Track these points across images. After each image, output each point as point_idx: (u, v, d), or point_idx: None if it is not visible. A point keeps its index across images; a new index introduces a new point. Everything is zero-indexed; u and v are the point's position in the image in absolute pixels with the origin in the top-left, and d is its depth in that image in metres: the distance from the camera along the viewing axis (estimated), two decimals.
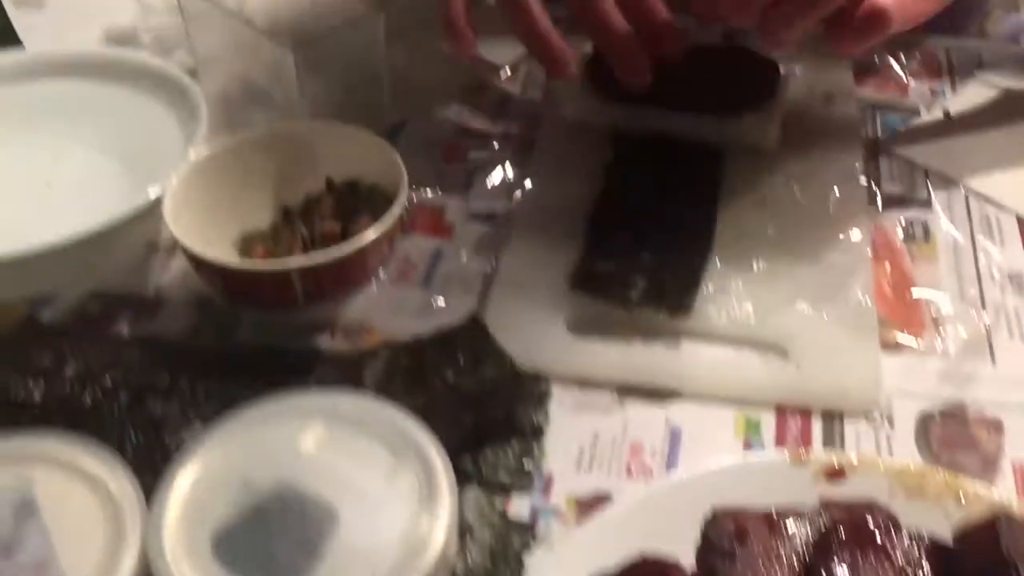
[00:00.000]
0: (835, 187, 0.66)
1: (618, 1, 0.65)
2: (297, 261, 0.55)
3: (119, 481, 0.43)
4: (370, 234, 0.55)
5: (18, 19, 0.85)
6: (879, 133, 0.74)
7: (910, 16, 0.60)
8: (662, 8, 0.66)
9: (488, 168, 0.72)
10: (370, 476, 0.41)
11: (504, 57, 0.82)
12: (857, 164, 0.69)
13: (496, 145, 0.74)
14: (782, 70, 0.71)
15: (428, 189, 0.70)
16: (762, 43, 0.62)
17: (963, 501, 0.47)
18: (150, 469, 0.49)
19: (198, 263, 0.55)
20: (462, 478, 0.51)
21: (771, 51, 0.65)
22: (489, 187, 0.70)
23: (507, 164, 0.72)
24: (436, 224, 0.67)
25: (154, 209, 0.58)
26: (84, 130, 0.70)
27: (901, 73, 0.79)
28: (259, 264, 0.57)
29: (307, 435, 0.43)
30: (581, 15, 0.64)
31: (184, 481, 0.42)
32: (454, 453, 0.51)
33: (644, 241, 0.62)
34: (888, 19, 0.58)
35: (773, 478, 0.49)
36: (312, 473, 0.42)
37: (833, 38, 0.60)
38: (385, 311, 0.61)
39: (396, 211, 0.56)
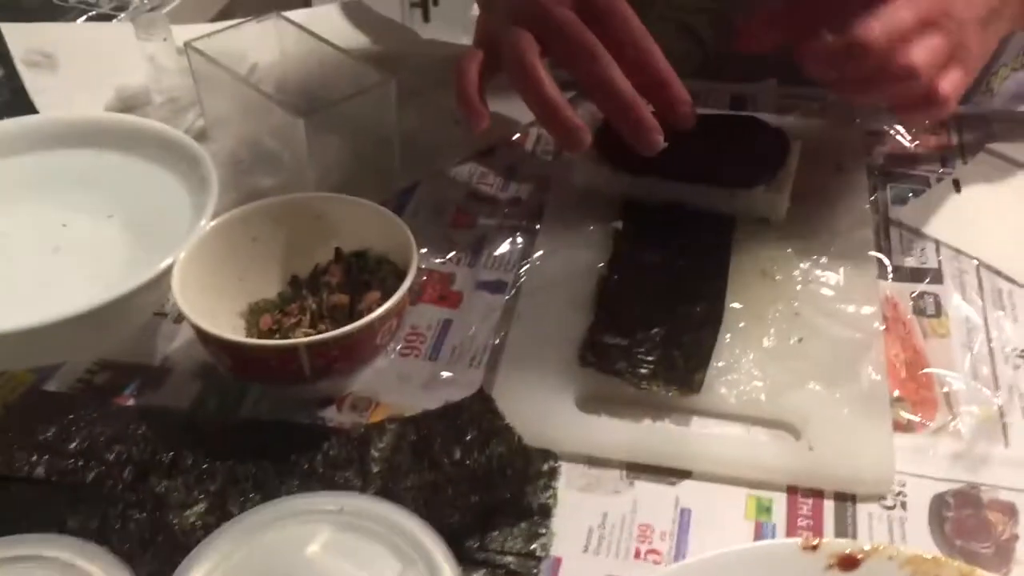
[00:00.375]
0: (845, 259, 0.66)
1: (628, 68, 0.64)
2: (304, 338, 0.54)
3: None
4: (379, 310, 0.55)
5: (31, 80, 0.85)
6: (889, 203, 0.73)
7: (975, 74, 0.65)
8: (673, 76, 0.65)
9: (497, 235, 0.71)
10: None
11: (518, 116, 0.82)
12: (868, 235, 0.69)
13: (506, 211, 0.74)
14: (791, 140, 0.71)
15: (437, 257, 0.70)
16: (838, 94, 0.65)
17: None
18: (152, 551, 0.49)
19: (204, 337, 0.55)
20: (469, 561, 0.50)
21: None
22: (498, 255, 0.70)
23: (516, 231, 0.72)
24: (444, 293, 0.67)
25: (162, 280, 0.58)
26: (94, 197, 0.70)
27: (910, 143, 0.79)
28: (266, 341, 0.57)
29: (314, 540, 0.42)
30: (589, 84, 0.64)
31: None
32: (460, 534, 0.51)
33: (653, 315, 0.62)
34: (946, 109, 0.63)
35: (785, 564, 0.48)
36: None
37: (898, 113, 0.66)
38: (393, 384, 0.61)
39: (405, 287, 0.56)
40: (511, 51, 0.64)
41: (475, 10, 0.83)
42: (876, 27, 0.60)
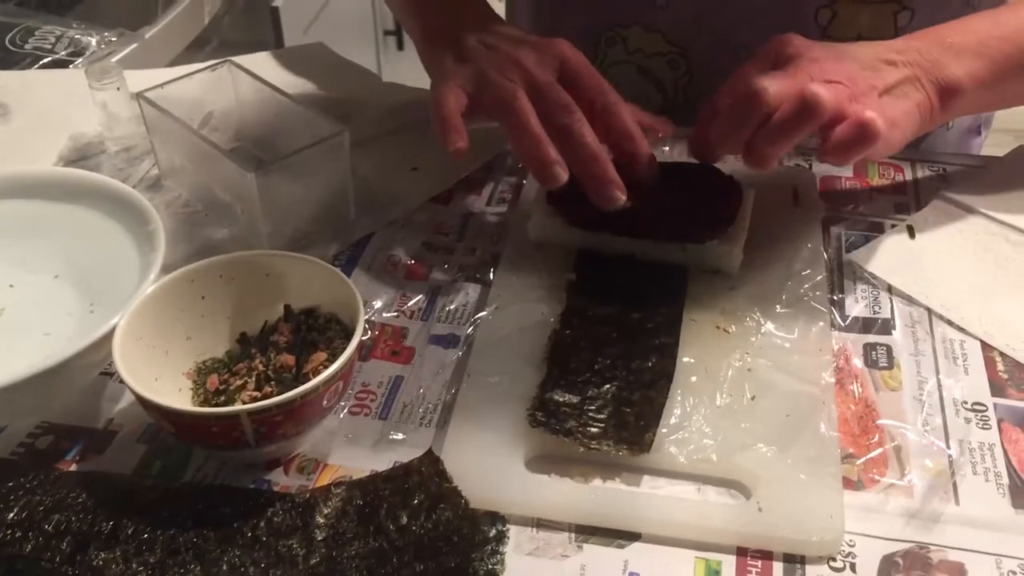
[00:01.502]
0: (799, 308, 0.66)
1: (598, 126, 0.67)
2: (245, 404, 0.53)
3: None
4: (324, 374, 0.54)
5: None
6: (843, 248, 0.73)
7: (897, 139, 0.66)
8: (639, 132, 0.68)
9: (451, 287, 0.71)
10: None
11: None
12: (821, 283, 0.68)
13: (460, 262, 0.73)
14: (745, 190, 0.71)
15: (390, 311, 0.69)
16: (748, 163, 0.65)
17: None
18: None
19: (145, 404, 0.54)
20: None
21: (757, 170, 0.66)
22: (452, 308, 0.69)
23: (470, 283, 0.71)
24: (397, 348, 0.66)
25: (107, 341, 0.57)
26: (42, 252, 0.69)
27: (865, 187, 0.80)
28: (207, 409, 0.56)
29: None
30: (560, 135, 0.65)
31: None
32: None
33: (605, 371, 0.61)
34: (875, 130, 0.61)
35: None
36: None
37: (823, 151, 0.64)
38: (341, 444, 0.60)
39: (350, 350, 0.55)
40: (500, 90, 0.67)
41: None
42: (771, 81, 0.63)
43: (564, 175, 0.65)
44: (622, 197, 0.65)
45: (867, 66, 0.67)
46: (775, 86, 0.63)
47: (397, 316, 0.69)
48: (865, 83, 0.65)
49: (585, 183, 0.66)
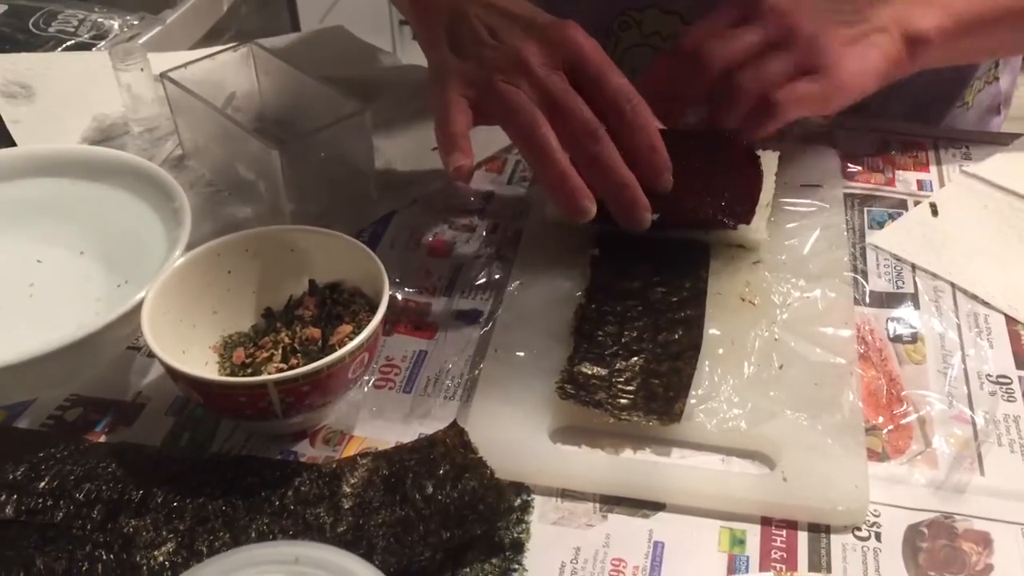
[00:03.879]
0: (823, 282, 0.66)
1: (617, 131, 0.63)
2: (273, 374, 0.54)
3: None
4: (349, 345, 0.54)
5: (7, 111, 0.85)
6: (866, 226, 0.73)
7: (858, 88, 0.70)
8: (661, 143, 0.65)
9: (474, 264, 0.71)
10: None
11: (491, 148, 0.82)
12: (844, 259, 0.68)
13: (482, 239, 0.73)
14: (764, 168, 0.71)
15: (413, 287, 0.69)
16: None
17: None
18: None
19: (174, 374, 0.55)
20: None
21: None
22: (475, 285, 0.70)
23: (493, 260, 0.72)
24: (420, 324, 0.67)
25: (135, 314, 0.57)
26: (69, 229, 0.70)
27: (887, 165, 0.79)
28: (235, 378, 0.57)
29: None
30: (586, 162, 0.63)
31: None
32: (431, 571, 0.50)
33: (632, 344, 0.61)
34: (778, 108, 0.68)
35: None
36: None
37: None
38: (366, 417, 0.60)
39: (376, 322, 0.56)
40: (516, 113, 0.63)
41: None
42: (716, 47, 0.68)
43: (593, 208, 0.63)
44: (650, 217, 0.64)
45: (837, 18, 0.70)
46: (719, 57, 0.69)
47: (420, 292, 0.69)
48: (828, 37, 0.69)
49: (613, 207, 0.64)
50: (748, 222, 0.67)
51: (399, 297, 0.69)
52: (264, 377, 0.54)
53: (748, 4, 0.71)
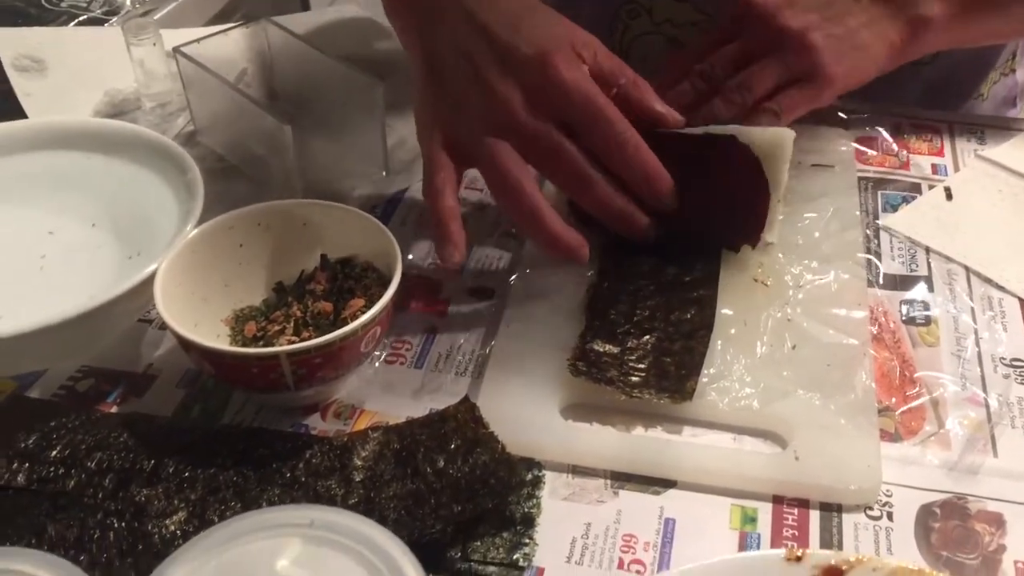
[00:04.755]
0: (836, 264, 0.66)
1: (614, 166, 0.61)
2: (286, 346, 0.54)
3: None
4: (362, 317, 0.54)
5: (20, 85, 0.85)
6: (880, 210, 0.73)
7: (856, 79, 0.70)
8: (660, 170, 0.62)
9: (485, 242, 0.71)
10: None
11: None
12: (858, 241, 0.68)
13: (493, 218, 0.73)
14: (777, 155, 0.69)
15: (424, 263, 0.69)
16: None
17: None
18: (131, 560, 0.49)
19: (186, 345, 0.55)
20: (450, 571, 0.50)
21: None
22: (486, 262, 0.69)
23: (505, 238, 0.71)
24: (432, 301, 0.67)
25: (146, 286, 0.57)
26: (81, 201, 0.70)
27: (901, 148, 0.79)
28: (247, 349, 0.57)
29: (283, 554, 0.41)
30: (583, 203, 0.63)
31: None
32: (442, 544, 0.50)
33: (644, 323, 0.61)
34: (765, 120, 0.67)
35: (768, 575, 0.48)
36: None
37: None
38: (378, 391, 0.60)
39: (389, 295, 0.55)
40: (498, 170, 0.60)
41: None
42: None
43: (587, 252, 0.62)
44: (653, 233, 0.63)
45: (829, 12, 0.69)
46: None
47: (432, 270, 0.69)
48: (827, 29, 0.68)
49: (616, 230, 0.64)
50: (755, 245, 0.66)
51: (411, 274, 0.68)
52: (277, 348, 0.54)
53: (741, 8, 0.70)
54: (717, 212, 0.64)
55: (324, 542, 0.42)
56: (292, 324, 0.59)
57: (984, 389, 0.59)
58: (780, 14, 0.69)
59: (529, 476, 0.55)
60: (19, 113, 0.82)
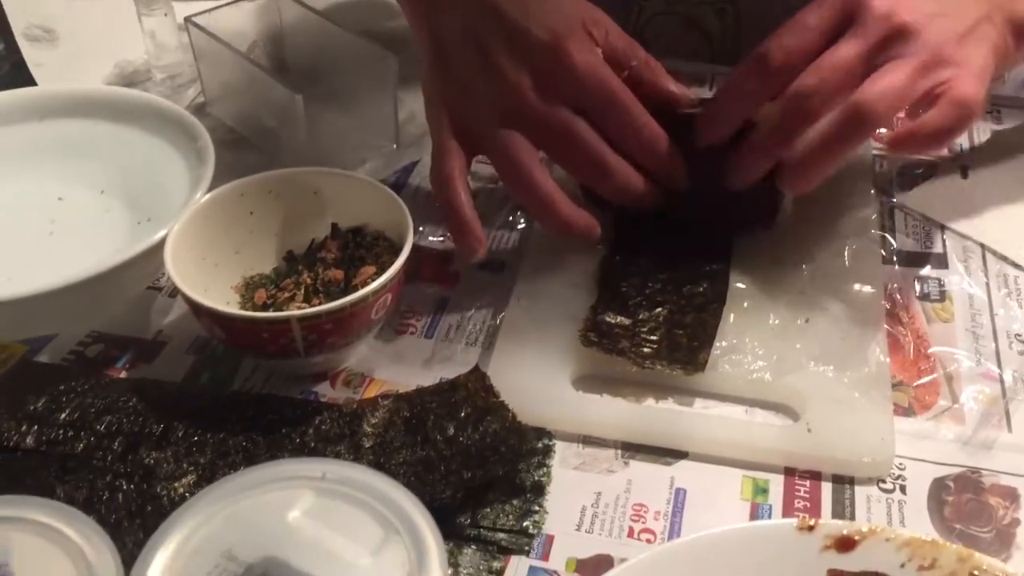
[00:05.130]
0: (850, 240, 0.65)
1: (629, 151, 0.60)
2: (297, 311, 0.53)
3: (99, 551, 0.41)
4: (373, 284, 0.54)
5: (31, 54, 0.85)
6: (895, 187, 0.72)
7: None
8: (677, 160, 0.61)
9: (496, 215, 0.71)
10: (358, 549, 0.40)
11: None
12: (872, 218, 0.68)
13: (504, 192, 0.72)
14: None
15: (435, 236, 0.69)
16: (784, 185, 0.61)
17: None
18: (139, 522, 0.49)
19: (197, 309, 0.54)
20: (459, 537, 0.50)
21: (797, 192, 0.62)
22: (497, 235, 0.69)
23: (516, 211, 0.71)
24: (442, 272, 0.66)
25: (157, 251, 0.57)
26: (91, 169, 0.69)
27: None
28: (259, 313, 0.57)
29: (295, 505, 0.41)
30: (598, 189, 0.62)
31: (165, 553, 0.41)
32: (452, 510, 0.50)
33: (656, 295, 0.61)
34: (973, 110, 0.57)
35: (780, 546, 0.47)
36: (299, 545, 0.40)
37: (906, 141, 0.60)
38: (387, 361, 0.60)
39: (400, 262, 0.55)
40: (509, 161, 0.60)
41: None
42: (811, 73, 0.57)
43: (599, 232, 0.61)
44: (660, 202, 0.62)
45: (945, 7, 0.59)
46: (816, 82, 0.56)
47: (442, 241, 0.69)
48: (946, 30, 0.58)
49: (628, 207, 0.62)
50: (769, 227, 0.65)
51: (422, 246, 0.68)
52: (288, 312, 0.53)
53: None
54: (730, 195, 0.63)
55: (337, 495, 0.42)
56: (303, 291, 0.59)
57: (999, 365, 0.59)
58: (898, 13, 0.58)
59: (540, 445, 0.54)
60: (30, 83, 0.82)
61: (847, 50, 0.57)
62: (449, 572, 0.40)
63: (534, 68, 0.59)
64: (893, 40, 0.57)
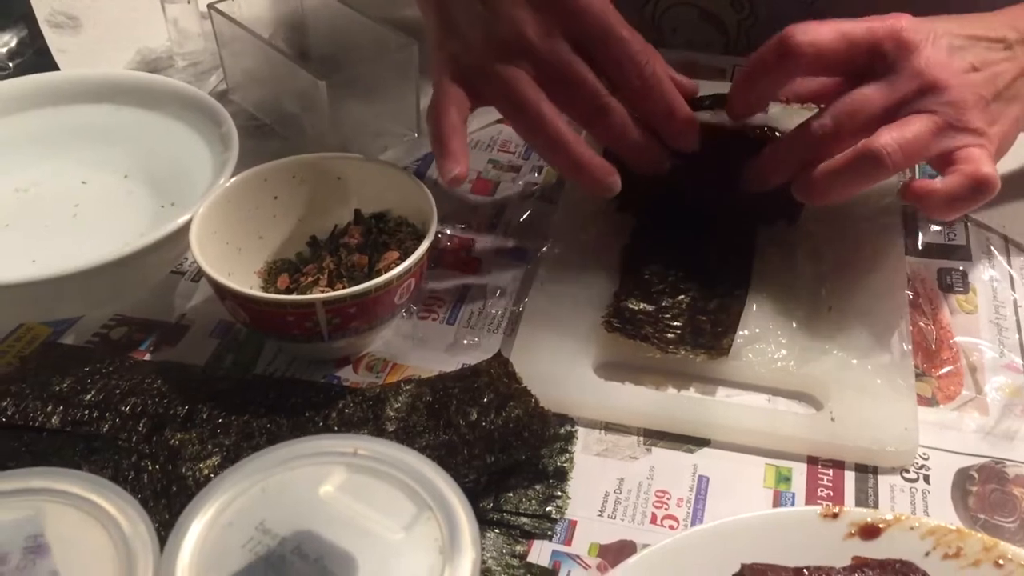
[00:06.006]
0: (873, 231, 0.65)
1: (630, 96, 0.60)
2: (321, 294, 0.54)
3: (133, 522, 0.41)
4: (397, 268, 0.54)
5: (54, 41, 0.85)
6: (916, 176, 0.72)
7: (1004, 151, 0.60)
8: (679, 103, 0.60)
9: (518, 202, 0.71)
10: (390, 525, 0.40)
11: None
12: (895, 207, 0.67)
13: (527, 178, 0.73)
14: None
15: (457, 223, 0.69)
16: (797, 193, 0.60)
17: (1002, 565, 0.45)
18: (165, 502, 0.49)
19: (222, 292, 0.54)
20: (482, 521, 0.50)
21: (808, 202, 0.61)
22: (519, 222, 0.69)
23: (537, 199, 0.71)
24: (464, 259, 0.66)
25: (181, 235, 0.57)
26: (115, 154, 0.70)
27: None
28: (283, 296, 0.57)
29: (327, 480, 0.41)
30: (598, 134, 0.61)
31: (199, 525, 0.41)
32: (475, 495, 0.50)
33: (680, 283, 0.61)
34: (990, 187, 0.56)
35: (803, 533, 0.47)
36: (331, 520, 0.40)
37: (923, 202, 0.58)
38: (410, 346, 0.60)
39: (424, 247, 0.55)
40: (513, 98, 0.59)
41: None
42: (828, 116, 0.57)
43: (618, 182, 0.59)
44: (668, 163, 0.61)
45: (980, 64, 0.57)
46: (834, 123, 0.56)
47: (464, 228, 0.69)
48: (975, 91, 0.56)
49: (630, 165, 0.61)
50: (795, 222, 0.65)
51: (445, 232, 0.68)
52: (312, 296, 0.53)
53: (876, 49, 0.57)
54: (755, 196, 0.62)
55: (369, 471, 0.42)
56: (326, 275, 0.59)
57: (1022, 356, 0.59)
58: (932, 69, 0.56)
59: (563, 431, 0.54)
60: (53, 69, 0.82)
61: (873, 97, 0.56)
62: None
63: (534, 5, 0.59)
64: (921, 94, 0.56)
